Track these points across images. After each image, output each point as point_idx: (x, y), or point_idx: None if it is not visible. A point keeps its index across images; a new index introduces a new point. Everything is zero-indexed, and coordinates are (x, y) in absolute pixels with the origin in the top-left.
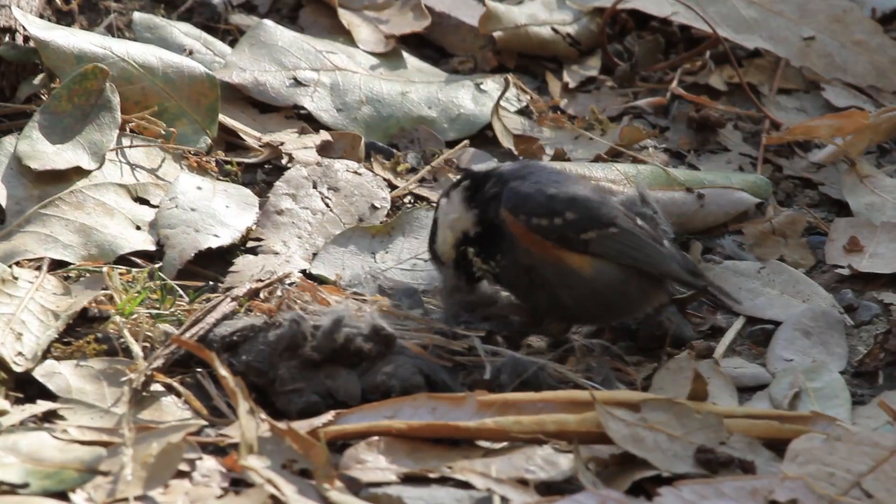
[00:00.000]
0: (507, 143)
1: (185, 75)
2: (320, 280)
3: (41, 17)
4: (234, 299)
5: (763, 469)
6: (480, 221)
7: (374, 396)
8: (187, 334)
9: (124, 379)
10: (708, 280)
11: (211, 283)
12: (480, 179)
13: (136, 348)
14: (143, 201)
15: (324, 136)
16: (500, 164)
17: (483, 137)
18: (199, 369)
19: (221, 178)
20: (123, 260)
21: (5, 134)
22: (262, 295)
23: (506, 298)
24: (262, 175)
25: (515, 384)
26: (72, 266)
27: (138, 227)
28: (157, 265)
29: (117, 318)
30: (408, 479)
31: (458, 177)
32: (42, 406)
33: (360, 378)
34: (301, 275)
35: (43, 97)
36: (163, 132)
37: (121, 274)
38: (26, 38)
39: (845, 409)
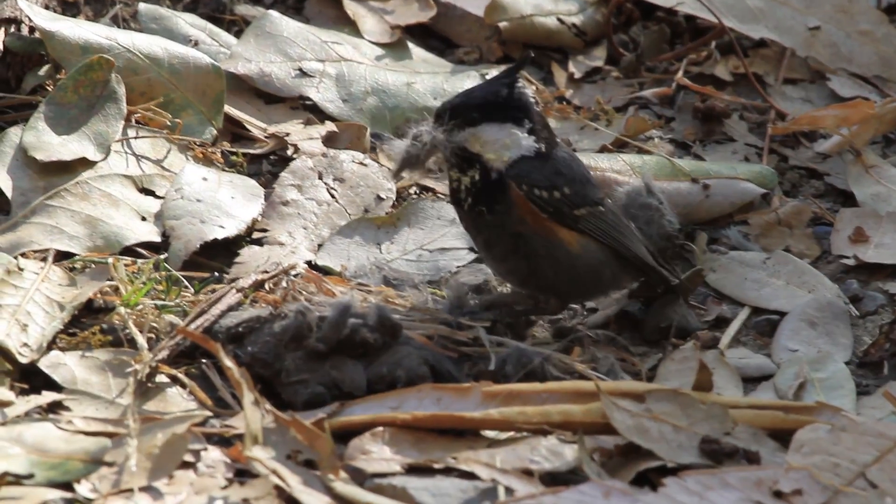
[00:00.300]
0: None
1: (190, 66)
2: (326, 271)
3: (47, 7)
4: (239, 290)
5: (768, 459)
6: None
7: (380, 387)
8: (192, 325)
9: (129, 370)
10: (678, 275)
11: (216, 274)
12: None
13: (141, 339)
14: (149, 192)
15: (329, 126)
16: None
17: None
18: (203, 360)
19: (227, 168)
20: (129, 251)
21: (11, 125)
22: (267, 286)
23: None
24: (268, 166)
25: (520, 375)
26: (77, 257)
27: (144, 218)
28: (162, 256)
29: (122, 310)
30: (412, 470)
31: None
32: (47, 397)
33: (366, 369)
34: (306, 266)
35: (48, 88)
36: (168, 123)
37: (126, 265)
38: (32, 29)
39: (850, 400)
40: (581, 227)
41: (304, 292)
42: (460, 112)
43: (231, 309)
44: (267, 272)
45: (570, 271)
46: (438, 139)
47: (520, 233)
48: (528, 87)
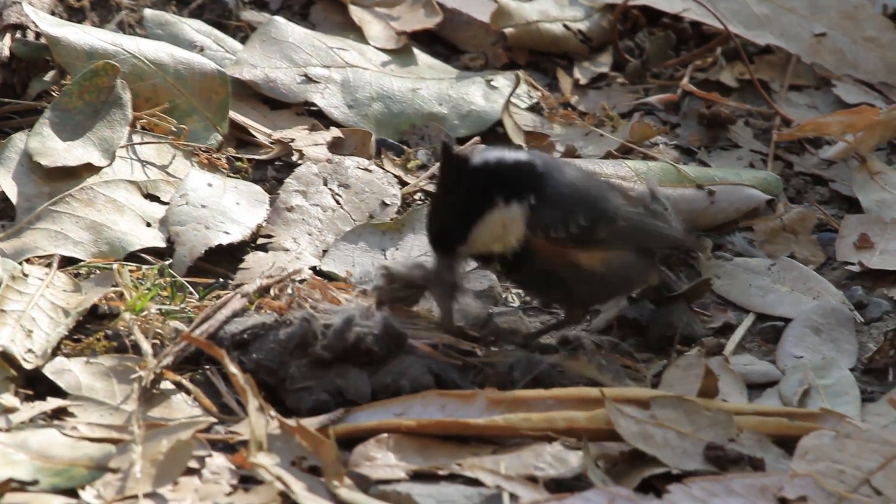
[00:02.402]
0: (517, 139)
1: (196, 72)
2: (330, 277)
3: (52, 13)
4: (244, 296)
5: (772, 466)
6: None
7: (384, 396)
8: (197, 331)
9: (134, 376)
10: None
11: (221, 280)
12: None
13: (146, 346)
14: (154, 198)
15: (334, 132)
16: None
17: (494, 134)
18: (208, 366)
19: (232, 174)
20: (134, 257)
21: (16, 130)
22: (272, 292)
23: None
24: (273, 172)
25: (527, 381)
26: (82, 263)
27: (149, 224)
28: (167, 262)
29: (127, 316)
30: (417, 477)
31: (510, 170)
32: (52, 403)
33: (370, 378)
34: (311, 272)
35: (54, 94)
36: (173, 129)
37: (131, 271)
38: (38, 35)
39: (855, 406)
40: (605, 247)
41: (309, 299)
42: (441, 242)
43: (236, 315)
44: (272, 278)
45: (600, 286)
46: (448, 281)
47: (547, 269)
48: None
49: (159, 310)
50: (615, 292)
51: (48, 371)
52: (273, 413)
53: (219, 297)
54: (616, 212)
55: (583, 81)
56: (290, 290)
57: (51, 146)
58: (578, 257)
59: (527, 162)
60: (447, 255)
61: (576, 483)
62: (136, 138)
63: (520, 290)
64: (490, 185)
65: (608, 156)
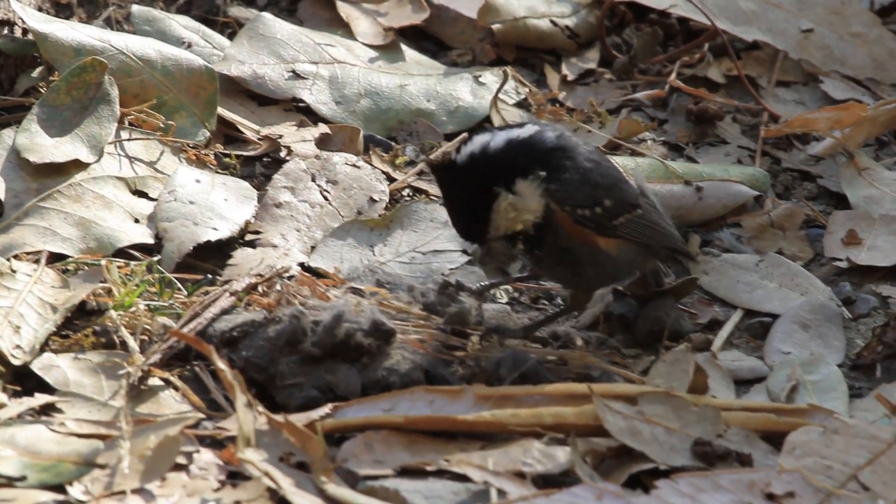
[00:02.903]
0: None
1: (183, 68)
2: (319, 273)
3: (40, 9)
4: (232, 294)
5: (760, 462)
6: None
7: (374, 392)
8: (186, 328)
9: (122, 372)
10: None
11: (209, 276)
12: (540, 162)
13: (133, 343)
14: (142, 194)
15: (322, 128)
16: (528, 131)
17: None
18: (196, 362)
19: (220, 171)
20: (122, 253)
21: (4, 127)
22: (260, 289)
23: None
24: (261, 168)
25: (515, 377)
26: (70, 259)
27: (137, 221)
28: (155, 258)
29: (113, 314)
30: (405, 472)
31: (502, 153)
32: (40, 399)
33: (360, 373)
34: (299, 268)
35: (41, 90)
36: (161, 125)
37: (119, 267)
38: (25, 31)
39: (843, 402)
40: (619, 234)
41: (298, 296)
42: (469, 238)
43: (224, 312)
44: (260, 275)
45: (610, 271)
46: (493, 263)
47: (566, 247)
48: (525, 88)
49: (147, 306)
50: (620, 277)
51: (36, 367)
52: (261, 409)
53: (207, 293)
54: (636, 200)
55: (570, 77)
56: (278, 287)
57: (39, 142)
58: (597, 239)
59: (523, 139)
60: (481, 244)
61: (563, 479)
62: (124, 134)
63: (508, 287)
64: (484, 179)
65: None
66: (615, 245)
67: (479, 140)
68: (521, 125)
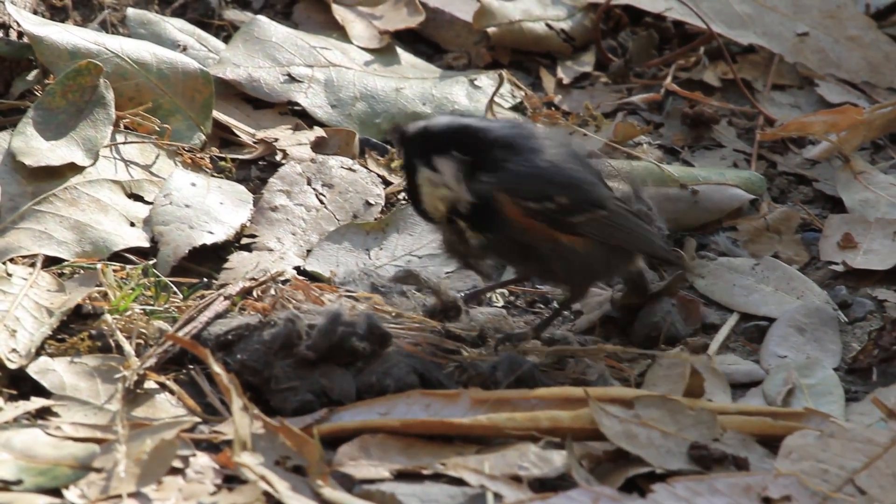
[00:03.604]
0: None
1: (179, 71)
2: (314, 277)
3: (35, 12)
4: (227, 298)
5: (756, 465)
6: (473, 197)
7: (369, 396)
8: (181, 332)
9: (118, 376)
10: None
11: (205, 279)
12: (471, 148)
13: (128, 347)
14: (138, 198)
15: (318, 132)
16: (474, 121)
17: None
18: (192, 366)
19: (216, 174)
20: (117, 257)
21: None
22: (255, 293)
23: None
24: (257, 171)
25: (511, 381)
26: (66, 263)
27: (132, 224)
28: (151, 262)
29: (108, 318)
30: (401, 476)
31: (437, 133)
32: (36, 403)
33: (355, 378)
34: (295, 272)
35: (37, 93)
36: (157, 128)
37: (115, 271)
38: (20, 34)
39: (839, 406)
40: (581, 232)
41: (292, 300)
42: (419, 214)
43: (219, 316)
44: (255, 279)
45: (580, 267)
46: (456, 248)
47: (523, 241)
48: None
49: (143, 310)
50: (598, 275)
51: (32, 371)
52: (257, 412)
53: (203, 296)
54: (603, 201)
55: (566, 81)
56: (273, 292)
57: (34, 146)
58: (556, 234)
59: (464, 125)
60: (427, 220)
61: (560, 482)
62: (120, 138)
63: (504, 291)
64: (411, 152)
65: (592, 156)
66: (581, 243)
67: (434, 119)
68: (487, 119)
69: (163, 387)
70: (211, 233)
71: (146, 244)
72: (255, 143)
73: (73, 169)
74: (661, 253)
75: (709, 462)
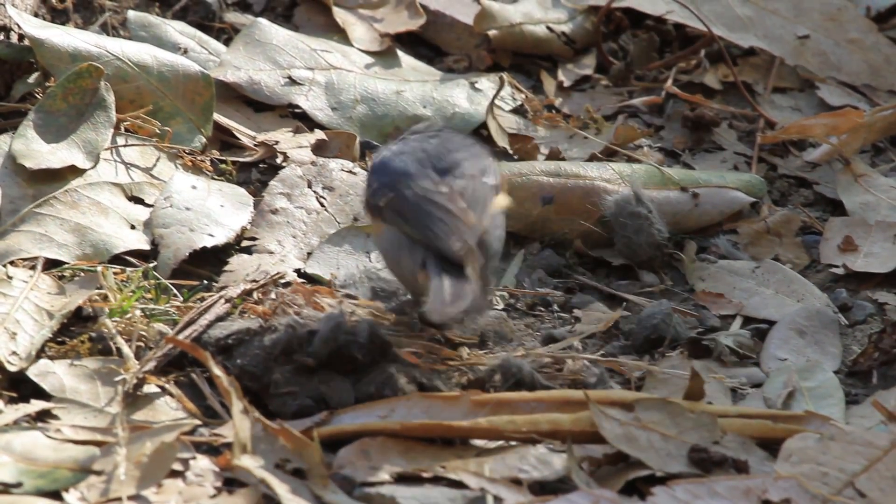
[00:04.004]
0: (501, 142)
1: (179, 74)
2: (315, 280)
3: (36, 15)
4: (227, 300)
5: (756, 468)
6: None
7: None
8: (181, 335)
9: (118, 378)
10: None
11: (205, 282)
12: None
13: (128, 350)
14: (138, 200)
15: (318, 135)
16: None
17: (478, 136)
18: (192, 369)
19: (216, 177)
20: (118, 259)
21: (0, 133)
22: (255, 296)
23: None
24: (257, 174)
25: (510, 384)
26: (66, 265)
27: (133, 227)
28: (151, 264)
29: (108, 321)
30: (401, 479)
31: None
32: (36, 405)
33: (354, 386)
34: (295, 275)
35: (38, 96)
36: (158, 131)
37: (115, 273)
38: (21, 37)
39: (839, 409)
40: (383, 216)
41: (293, 305)
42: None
43: (220, 320)
44: (255, 281)
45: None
46: None
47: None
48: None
49: (144, 312)
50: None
51: (32, 373)
52: (257, 415)
53: (203, 299)
54: (407, 183)
55: (567, 83)
56: (273, 295)
57: (35, 148)
58: (375, 224)
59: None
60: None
61: (560, 485)
62: (120, 140)
63: (504, 294)
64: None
65: (592, 158)
66: (379, 228)
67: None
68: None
69: (163, 389)
70: (211, 235)
71: (147, 247)
72: (255, 145)
73: (73, 171)
74: (438, 244)
75: (709, 465)
